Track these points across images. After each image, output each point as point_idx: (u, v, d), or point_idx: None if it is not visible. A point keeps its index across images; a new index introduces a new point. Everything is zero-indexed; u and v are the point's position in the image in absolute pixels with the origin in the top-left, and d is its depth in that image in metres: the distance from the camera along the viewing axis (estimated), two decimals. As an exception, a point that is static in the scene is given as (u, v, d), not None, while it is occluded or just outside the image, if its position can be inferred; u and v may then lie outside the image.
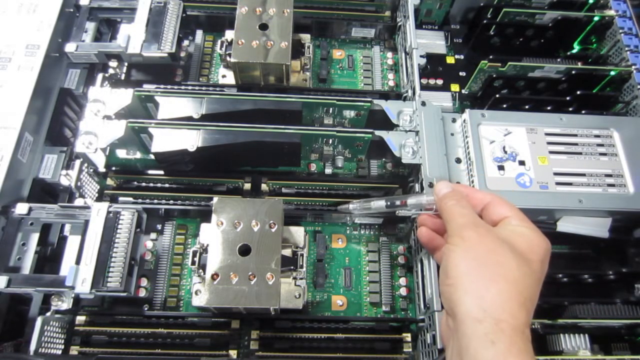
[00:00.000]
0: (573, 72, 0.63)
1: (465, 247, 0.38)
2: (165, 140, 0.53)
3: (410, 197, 0.48)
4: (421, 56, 0.60)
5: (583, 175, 0.53)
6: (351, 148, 0.61)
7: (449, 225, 0.41)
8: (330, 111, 0.61)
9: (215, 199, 0.51)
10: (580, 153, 0.54)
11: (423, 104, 0.56)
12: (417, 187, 0.55)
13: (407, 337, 0.53)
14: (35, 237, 0.54)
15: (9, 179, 0.52)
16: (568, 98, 0.63)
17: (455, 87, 0.69)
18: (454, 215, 0.41)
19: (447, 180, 0.52)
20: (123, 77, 0.65)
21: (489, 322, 0.34)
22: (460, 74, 0.70)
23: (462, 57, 0.72)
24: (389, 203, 0.49)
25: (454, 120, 0.57)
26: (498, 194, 0.50)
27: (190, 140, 0.53)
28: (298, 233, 0.54)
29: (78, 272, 0.48)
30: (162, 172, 0.58)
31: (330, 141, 0.59)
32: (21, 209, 0.52)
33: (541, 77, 0.64)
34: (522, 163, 0.52)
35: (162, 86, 0.57)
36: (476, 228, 0.39)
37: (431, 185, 0.52)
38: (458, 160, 0.54)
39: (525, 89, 0.65)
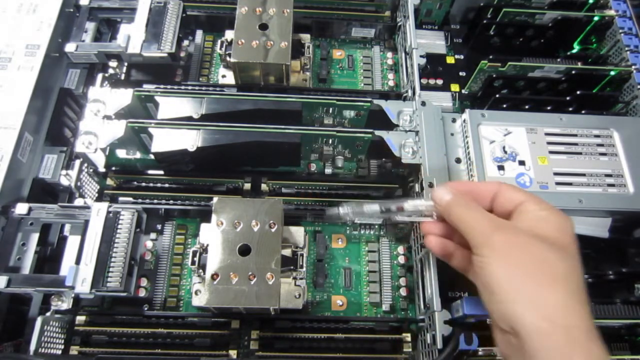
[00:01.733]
0: (573, 72, 0.63)
1: (498, 257, 0.35)
2: (165, 140, 0.53)
3: (406, 201, 0.44)
4: (421, 56, 0.60)
5: (583, 175, 0.53)
6: (351, 148, 0.61)
7: (468, 236, 0.38)
8: (330, 111, 0.61)
9: (215, 199, 0.51)
10: (580, 153, 0.54)
11: (423, 104, 0.56)
12: (417, 187, 0.55)
13: (407, 337, 0.53)
14: (35, 237, 0.54)
15: (9, 179, 0.52)
16: (568, 98, 0.63)
17: (455, 87, 0.69)
18: (469, 224, 0.38)
19: (444, 181, 0.50)
20: (123, 77, 0.65)
21: (559, 332, 0.31)
22: (460, 74, 0.70)
23: (462, 57, 0.72)
24: (383, 208, 0.45)
25: (454, 120, 0.57)
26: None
27: (190, 140, 0.53)
28: (298, 233, 0.54)
29: (78, 272, 0.48)
30: (162, 172, 0.58)
31: (330, 141, 0.59)
32: (21, 209, 0.52)
33: (541, 77, 0.64)
34: (522, 163, 0.52)
35: (162, 86, 0.57)
36: (501, 231, 0.36)
37: (431, 185, 0.52)
38: (458, 160, 0.54)
39: (525, 89, 0.65)
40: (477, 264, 0.36)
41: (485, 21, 0.67)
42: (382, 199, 0.48)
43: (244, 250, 0.48)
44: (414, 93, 0.58)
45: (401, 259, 0.59)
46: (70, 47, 0.61)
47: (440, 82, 0.69)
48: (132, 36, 0.61)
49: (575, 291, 0.33)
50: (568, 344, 0.31)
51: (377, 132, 0.56)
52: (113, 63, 0.63)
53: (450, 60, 0.72)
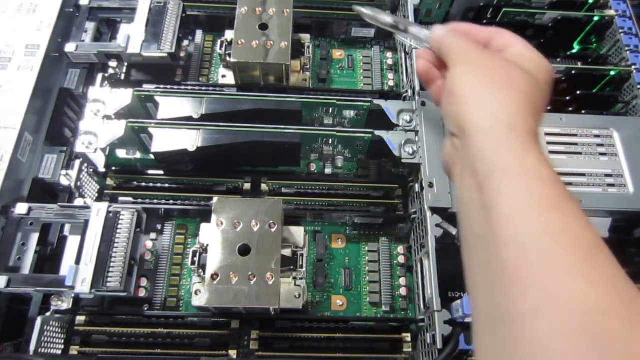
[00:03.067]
0: (573, 72, 0.63)
1: (471, 68, 0.37)
2: (165, 140, 0.53)
3: (413, 25, 0.47)
4: (421, 56, 0.60)
5: (583, 175, 0.53)
6: (351, 148, 0.61)
7: (450, 58, 0.39)
8: (330, 111, 0.61)
9: (215, 199, 0.51)
10: (580, 153, 0.54)
11: (423, 104, 0.56)
12: (417, 187, 0.55)
13: (407, 337, 0.53)
14: (35, 237, 0.54)
15: (9, 179, 0.52)
16: (568, 98, 0.63)
17: (455, 87, 0.69)
18: (454, 46, 0.39)
19: (445, 183, 0.51)
20: (123, 77, 0.65)
21: (502, 127, 0.32)
22: (460, 74, 0.70)
23: (462, 57, 0.72)
24: (393, 21, 0.48)
25: (454, 120, 0.56)
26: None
27: (190, 140, 0.53)
28: (298, 233, 0.54)
29: (78, 272, 0.48)
30: (162, 172, 0.58)
31: (330, 141, 0.59)
32: (21, 209, 0.52)
33: (541, 77, 0.64)
34: (522, 163, 0.52)
35: (162, 86, 0.57)
36: (481, 52, 0.38)
37: (431, 185, 0.52)
38: (458, 160, 0.54)
39: (525, 89, 0.65)
40: (449, 76, 0.38)
41: (485, 21, 0.67)
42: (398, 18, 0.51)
43: (244, 250, 0.48)
44: (414, 93, 0.58)
45: (401, 259, 0.59)
46: (70, 47, 0.61)
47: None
48: (132, 36, 0.61)
49: (530, 105, 0.34)
50: (508, 135, 0.32)
51: (377, 132, 0.56)
52: (113, 63, 0.63)
53: (450, 60, 0.72)
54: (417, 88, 0.58)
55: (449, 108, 0.37)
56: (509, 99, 0.34)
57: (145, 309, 0.54)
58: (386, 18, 0.49)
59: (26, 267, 0.53)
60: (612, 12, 0.67)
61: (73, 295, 0.49)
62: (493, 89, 0.35)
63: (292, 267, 0.51)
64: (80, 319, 0.52)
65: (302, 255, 0.51)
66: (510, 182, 0.30)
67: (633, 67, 0.63)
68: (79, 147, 0.52)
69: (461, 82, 0.36)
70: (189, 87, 0.59)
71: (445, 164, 0.41)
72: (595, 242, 0.28)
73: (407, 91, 0.61)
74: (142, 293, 0.55)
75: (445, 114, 0.38)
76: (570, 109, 0.63)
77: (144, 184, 0.59)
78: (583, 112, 0.62)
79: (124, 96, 0.55)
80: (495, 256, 0.29)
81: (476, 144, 0.33)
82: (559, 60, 0.67)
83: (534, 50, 0.39)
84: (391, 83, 0.70)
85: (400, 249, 0.59)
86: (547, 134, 0.54)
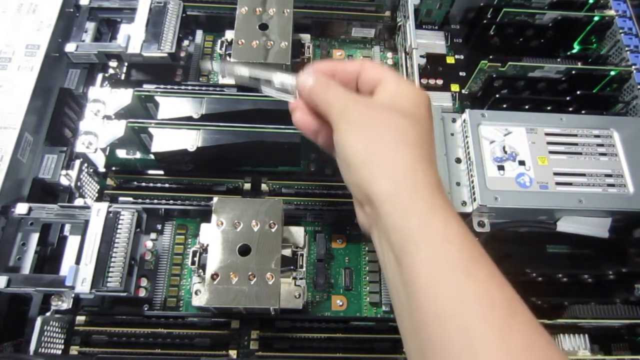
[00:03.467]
0: (573, 72, 0.63)
1: (354, 129, 0.36)
2: (165, 140, 0.53)
3: (275, 73, 0.43)
4: (421, 56, 0.60)
5: (583, 175, 0.53)
6: (351, 148, 0.61)
7: (329, 116, 0.38)
8: (330, 111, 0.61)
9: (215, 199, 0.51)
10: (580, 153, 0.54)
11: (423, 104, 0.56)
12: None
13: (407, 337, 0.53)
14: (35, 237, 0.54)
15: (9, 179, 0.52)
16: (568, 98, 0.63)
17: (455, 87, 0.69)
18: (328, 103, 0.38)
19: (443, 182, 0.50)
20: (123, 77, 0.65)
21: (406, 192, 0.33)
22: (460, 74, 0.70)
23: (462, 57, 0.72)
24: (252, 75, 0.44)
25: (454, 120, 0.56)
26: (497, 193, 0.50)
27: (190, 140, 0.53)
28: (298, 233, 0.54)
29: (78, 272, 0.48)
30: (162, 172, 0.58)
31: (330, 141, 0.59)
32: (21, 209, 0.52)
33: (541, 77, 0.64)
34: (522, 163, 0.52)
35: (162, 86, 0.57)
36: (357, 105, 0.37)
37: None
38: (458, 160, 0.54)
39: (525, 89, 0.65)
40: (336, 140, 0.37)
41: (485, 21, 0.67)
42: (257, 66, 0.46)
43: (244, 250, 0.48)
44: (414, 93, 0.58)
45: (401, 259, 0.59)
46: (70, 47, 0.61)
47: (440, 82, 0.69)
48: (132, 36, 0.61)
49: (424, 154, 0.35)
50: (414, 201, 0.32)
51: (377, 132, 0.56)
52: (113, 63, 0.63)
53: (450, 60, 0.72)
54: (417, 88, 0.58)
55: (349, 178, 0.37)
56: (402, 158, 0.34)
57: (145, 309, 0.54)
58: (241, 71, 0.44)
59: (26, 267, 0.53)
60: (612, 12, 0.67)
61: (73, 295, 0.49)
62: (384, 152, 0.34)
63: (292, 267, 0.51)
64: (80, 319, 0.52)
65: (302, 255, 0.51)
66: (422, 255, 0.31)
67: (633, 67, 0.62)
68: (79, 147, 0.52)
69: (351, 149, 0.36)
70: (189, 87, 0.59)
71: (362, 227, 0.40)
72: (511, 305, 0.29)
73: (407, 91, 0.61)
74: (142, 293, 0.55)
75: (346, 182, 0.38)
76: (570, 109, 0.63)
77: (144, 184, 0.59)
78: (583, 112, 0.62)
79: (124, 96, 0.55)
80: (422, 332, 0.30)
81: (385, 213, 0.33)
82: (559, 60, 0.67)
83: (404, 82, 0.39)
84: (391, 83, 0.70)
85: (400, 249, 0.59)
86: (547, 134, 0.54)
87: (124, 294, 0.49)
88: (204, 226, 0.51)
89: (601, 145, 0.55)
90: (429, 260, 0.30)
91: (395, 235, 0.32)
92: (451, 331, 0.28)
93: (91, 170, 0.57)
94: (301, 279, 0.52)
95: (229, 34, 0.63)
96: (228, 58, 0.60)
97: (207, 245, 0.49)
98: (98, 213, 0.51)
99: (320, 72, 0.40)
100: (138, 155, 0.59)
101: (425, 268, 0.30)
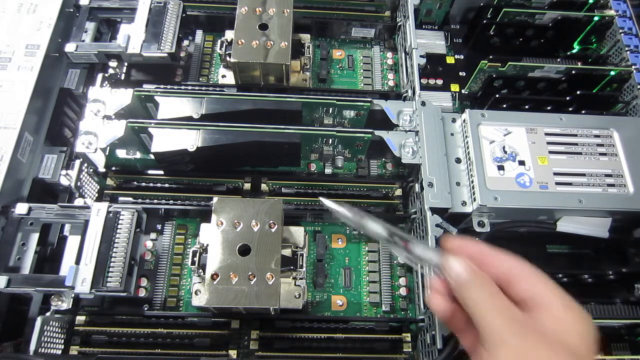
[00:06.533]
0: (573, 72, 0.63)
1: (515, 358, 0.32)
2: (165, 140, 0.53)
3: (417, 244, 0.38)
4: (421, 56, 0.60)
5: (583, 175, 0.53)
6: (351, 148, 0.61)
7: (482, 329, 0.33)
8: (330, 111, 0.61)
9: (215, 199, 0.51)
10: (580, 153, 0.54)
11: (423, 104, 0.56)
12: (417, 187, 0.55)
13: (407, 337, 0.53)
14: (35, 237, 0.54)
15: (9, 179, 0.52)
16: (568, 98, 0.63)
17: (455, 87, 0.69)
18: (486, 315, 0.33)
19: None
20: (123, 77, 0.65)
21: None
22: (460, 74, 0.70)
23: (462, 57, 0.72)
24: (388, 236, 0.39)
25: (453, 120, 0.57)
26: (497, 193, 0.50)
27: (190, 140, 0.53)
28: (298, 233, 0.54)
29: (78, 272, 0.48)
30: (162, 172, 0.58)
31: (330, 141, 0.59)
32: (21, 209, 0.52)
33: (541, 77, 0.64)
34: (522, 163, 0.52)
35: (162, 86, 0.57)
36: (520, 334, 0.32)
37: (431, 185, 0.52)
38: (458, 160, 0.54)
39: (525, 89, 0.65)
40: None
41: (485, 21, 0.67)
42: (390, 223, 0.40)
43: (244, 250, 0.48)
44: (414, 93, 0.58)
45: (401, 259, 0.59)
46: (70, 47, 0.61)
47: (440, 82, 0.69)
48: (132, 36, 0.61)
49: None
50: None
51: (377, 132, 0.56)
52: (113, 63, 0.63)
53: (450, 60, 0.72)
54: (417, 88, 0.58)
55: None
56: None
57: (145, 309, 0.54)
58: (378, 229, 0.39)
59: (26, 267, 0.53)
60: (612, 12, 0.67)
61: (73, 295, 0.49)
62: None
63: (292, 267, 0.51)
64: (80, 319, 0.52)
65: (302, 255, 0.51)
66: None
67: (633, 67, 0.63)
68: (79, 147, 0.52)
69: None
70: (189, 87, 0.59)
71: None
72: None
73: (407, 91, 0.61)
74: (142, 293, 0.55)
75: None
76: (570, 109, 0.63)
77: (144, 184, 0.59)
78: (583, 112, 0.62)
79: (124, 96, 0.55)
80: None
81: None
82: (559, 60, 0.67)
83: (569, 304, 0.34)
84: (391, 83, 0.71)
85: (400, 249, 0.59)
86: (547, 134, 0.54)
87: (124, 294, 0.49)
88: (204, 226, 0.51)
89: (601, 145, 0.55)
90: None
91: None
92: None
93: (91, 170, 0.57)
94: (301, 279, 0.52)
95: (229, 34, 0.63)
96: (228, 58, 0.60)
97: (207, 245, 0.49)
98: (98, 213, 0.51)
99: (467, 252, 0.37)
100: (138, 155, 0.59)
101: None
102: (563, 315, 0.34)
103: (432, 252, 0.38)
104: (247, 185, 0.58)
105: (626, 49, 0.64)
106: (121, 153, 0.59)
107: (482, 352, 0.34)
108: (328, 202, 0.42)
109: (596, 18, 0.66)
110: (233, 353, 0.51)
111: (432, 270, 0.39)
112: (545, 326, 0.33)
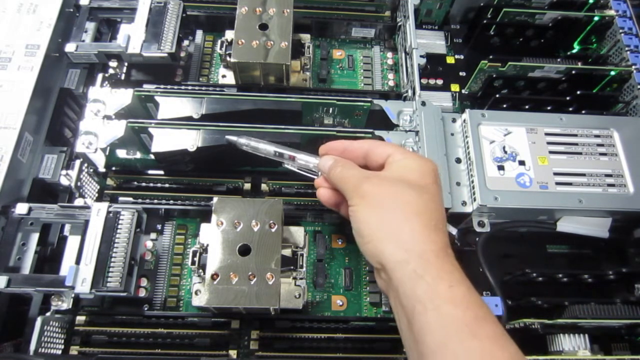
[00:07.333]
0: (573, 72, 0.63)
1: (367, 203, 0.40)
2: (165, 140, 0.53)
3: (299, 153, 0.49)
4: (421, 56, 0.60)
5: (583, 175, 0.53)
6: (351, 148, 0.61)
7: (344, 192, 0.43)
8: (330, 111, 0.61)
9: (215, 199, 0.51)
10: (580, 153, 0.54)
11: (423, 104, 0.56)
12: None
13: (407, 337, 0.53)
14: (35, 237, 0.54)
15: (9, 179, 0.52)
16: (568, 98, 0.63)
17: (455, 87, 0.69)
18: (345, 180, 0.43)
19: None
20: (123, 77, 0.65)
21: (414, 258, 0.36)
22: (460, 74, 0.70)
23: (462, 57, 0.72)
24: (277, 152, 0.50)
25: (454, 120, 0.57)
26: (497, 193, 0.50)
27: (190, 140, 0.53)
28: (298, 233, 0.54)
29: (78, 272, 0.48)
30: (162, 172, 0.58)
31: (330, 141, 0.59)
32: (21, 209, 0.52)
33: (541, 77, 0.64)
34: (522, 163, 0.53)
35: (162, 86, 0.57)
36: (369, 180, 0.41)
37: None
38: (458, 160, 0.54)
39: (525, 89, 0.65)
40: (350, 213, 0.42)
41: (485, 21, 0.67)
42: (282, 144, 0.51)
43: (244, 250, 0.48)
44: (414, 93, 0.58)
45: (401, 259, 0.59)
46: (70, 47, 0.61)
47: (440, 82, 0.69)
48: (132, 36, 0.61)
49: (431, 221, 0.38)
50: (420, 267, 0.36)
51: (377, 132, 0.56)
52: (113, 63, 0.63)
53: (450, 60, 0.72)
54: (418, 88, 0.58)
55: (363, 247, 0.41)
56: (410, 228, 0.38)
57: (145, 309, 0.54)
58: (268, 147, 0.49)
59: (26, 267, 0.53)
60: (612, 12, 0.67)
61: (73, 295, 0.49)
62: (394, 223, 0.38)
63: (292, 267, 0.51)
64: (80, 319, 0.52)
65: (302, 255, 0.51)
66: (429, 317, 0.34)
67: (633, 67, 0.63)
68: (79, 147, 0.52)
69: (363, 221, 0.40)
70: (189, 87, 0.59)
71: (381, 290, 0.44)
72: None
73: (407, 91, 0.61)
74: (142, 293, 0.55)
75: (362, 251, 0.41)
76: (570, 109, 0.63)
77: (144, 184, 0.59)
78: (583, 112, 0.62)
79: (124, 96, 0.55)
80: None
81: (396, 279, 0.37)
82: (559, 60, 0.67)
83: (410, 155, 0.43)
84: (391, 83, 0.71)
85: (400, 249, 0.59)
86: (547, 134, 0.54)
87: (124, 294, 0.49)
88: (204, 226, 0.51)
89: (601, 145, 0.55)
90: (436, 322, 0.34)
91: (405, 299, 0.36)
92: None
93: (91, 170, 0.57)
94: (301, 279, 0.52)
95: (229, 34, 0.63)
96: (228, 58, 0.60)
97: (207, 245, 0.49)
98: (98, 213, 0.51)
99: (335, 151, 0.47)
100: (138, 155, 0.59)
101: (433, 329, 0.34)
102: (404, 161, 0.42)
103: (310, 157, 0.49)
104: (247, 185, 0.58)
105: (626, 49, 0.64)
106: (121, 153, 0.59)
107: (349, 210, 0.42)
108: (232, 138, 0.51)
109: (596, 18, 0.66)
110: (233, 353, 0.51)
111: (316, 173, 0.49)
112: (391, 171, 0.42)
